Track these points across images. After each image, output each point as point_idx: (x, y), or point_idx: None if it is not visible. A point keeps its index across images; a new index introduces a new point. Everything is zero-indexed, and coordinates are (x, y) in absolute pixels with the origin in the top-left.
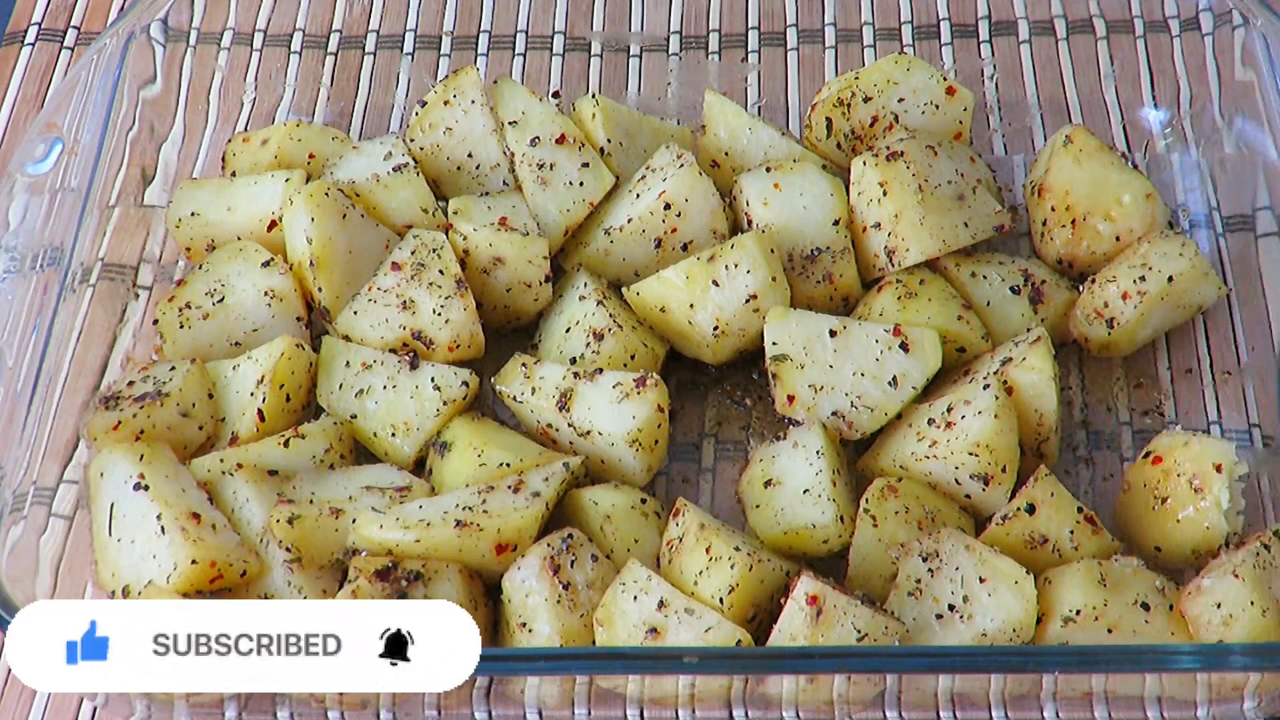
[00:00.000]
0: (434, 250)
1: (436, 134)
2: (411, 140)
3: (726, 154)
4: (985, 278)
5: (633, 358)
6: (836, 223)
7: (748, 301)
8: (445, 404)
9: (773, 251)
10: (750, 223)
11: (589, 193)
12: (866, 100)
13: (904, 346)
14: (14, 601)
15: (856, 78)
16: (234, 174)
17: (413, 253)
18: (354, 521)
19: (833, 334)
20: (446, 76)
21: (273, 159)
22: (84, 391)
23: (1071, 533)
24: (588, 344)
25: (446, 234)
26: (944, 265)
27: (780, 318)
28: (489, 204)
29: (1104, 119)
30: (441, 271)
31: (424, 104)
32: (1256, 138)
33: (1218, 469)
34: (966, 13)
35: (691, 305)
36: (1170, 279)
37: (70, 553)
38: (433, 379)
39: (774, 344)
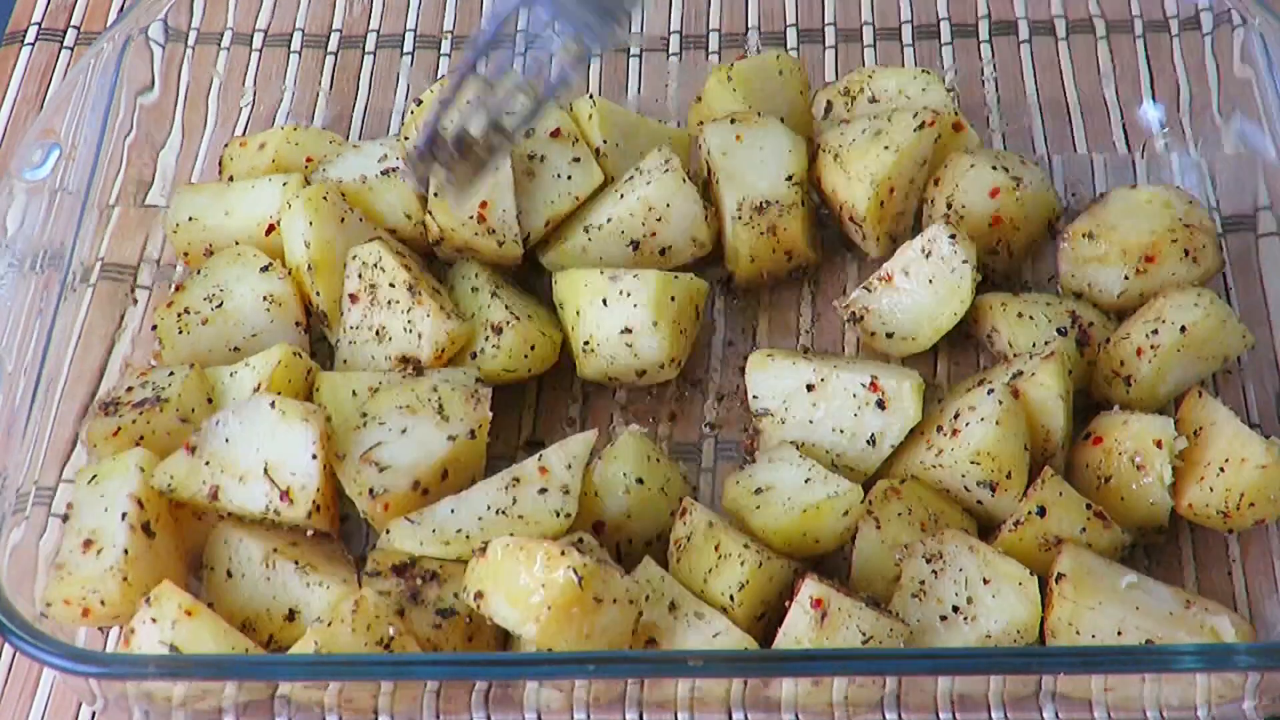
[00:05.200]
0: (375, 265)
1: None
2: (406, 139)
3: None
4: (1032, 318)
5: (533, 348)
6: (790, 178)
7: (621, 334)
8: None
9: (672, 299)
10: (711, 172)
11: (575, 187)
12: (872, 101)
13: (880, 404)
14: (14, 604)
15: (870, 76)
16: (231, 178)
17: (359, 277)
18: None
19: (810, 388)
20: (444, 76)
21: (270, 163)
22: (83, 395)
23: (1084, 530)
24: (486, 338)
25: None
26: (989, 305)
27: (760, 367)
28: None
29: (1104, 119)
30: (391, 285)
31: (419, 103)
32: (1256, 137)
33: (1158, 445)
34: (966, 13)
35: (578, 312)
36: (1183, 329)
37: None
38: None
39: (755, 397)
